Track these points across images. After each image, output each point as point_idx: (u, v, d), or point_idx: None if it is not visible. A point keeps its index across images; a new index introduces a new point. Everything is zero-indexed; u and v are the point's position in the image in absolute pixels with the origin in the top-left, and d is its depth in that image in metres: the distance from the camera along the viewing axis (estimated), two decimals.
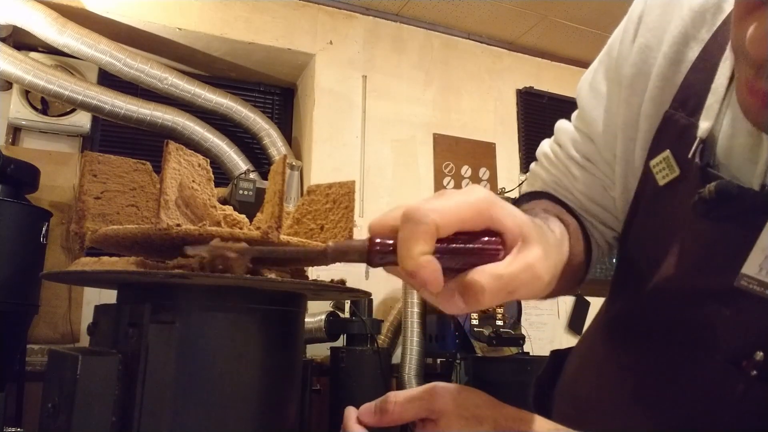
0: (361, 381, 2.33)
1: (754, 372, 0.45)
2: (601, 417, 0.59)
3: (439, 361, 2.68)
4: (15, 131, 2.78)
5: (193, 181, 0.73)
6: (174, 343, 0.60)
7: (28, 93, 2.70)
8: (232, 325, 0.64)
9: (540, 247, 0.39)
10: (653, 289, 0.55)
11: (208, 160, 0.78)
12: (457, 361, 2.47)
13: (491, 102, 3.44)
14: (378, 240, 0.38)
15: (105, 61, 2.61)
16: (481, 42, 3.48)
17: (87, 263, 0.64)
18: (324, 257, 0.40)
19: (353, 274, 2.31)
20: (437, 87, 3.31)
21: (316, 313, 2.42)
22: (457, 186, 3.22)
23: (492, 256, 0.38)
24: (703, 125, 0.50)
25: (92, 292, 2.56)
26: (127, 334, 0.59)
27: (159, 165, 0.68)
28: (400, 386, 2.51)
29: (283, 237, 0.65)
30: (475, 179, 3.29)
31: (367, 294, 0.80)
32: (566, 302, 3.04)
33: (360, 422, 0.49)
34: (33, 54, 2.71)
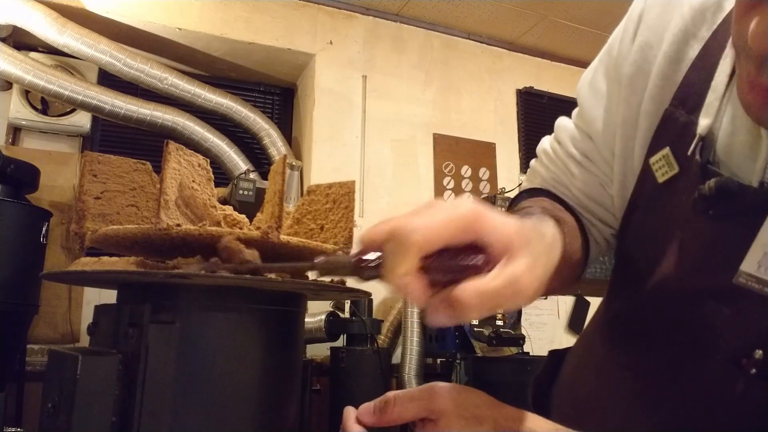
0: (361, 381, 2.33)
1: (754, 370, 0.45)
2: (600, 416, 0.59)
3: (439, 361, 2.68)
4: (15, 131, 2.78)
5: (193, 181, 0.73)
6: (174, 343, 0.60)
7: (28, 93, 2.70)
8: (232, 325, 0.64)
9: (526, 259, 0.39)
10: (652, 288, 0.55)
11: (208, 160, 0.78)
12: (457, 361, 2.47)
13: (491, 102, 3.44)
14: (365, 257, 0.40)
15: (105, 61, 2.61)
16: (481, 42, 3.48)
17: (87, 263, 0.64)
18: (314, 272, 0.43)
19: None
20: (437, 87, 3.31)
21: (316, 313, 2.42)
22: (458, 186, 3.22)
23: (478, 270, 0.39)
24: (703, 122, 0.50)
25: (92, 292, 2.56)
26: (127, 334, 0.59)
27: (159, 165, 0.68)
28: (400, 386, 2.51)
29: (283, 237, 0.65)
30: (475, 179, 3.28)
31: (367, 294, 0.79)
32: (566, 302, 3.04)
33: (359, 422, 0.49)
34: (33, 54, 2.71)
